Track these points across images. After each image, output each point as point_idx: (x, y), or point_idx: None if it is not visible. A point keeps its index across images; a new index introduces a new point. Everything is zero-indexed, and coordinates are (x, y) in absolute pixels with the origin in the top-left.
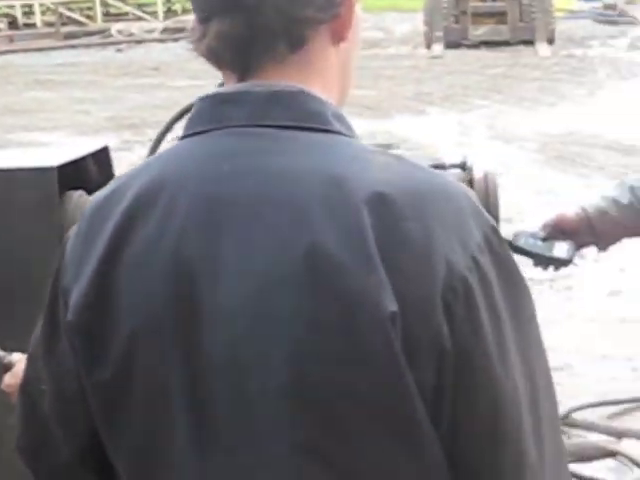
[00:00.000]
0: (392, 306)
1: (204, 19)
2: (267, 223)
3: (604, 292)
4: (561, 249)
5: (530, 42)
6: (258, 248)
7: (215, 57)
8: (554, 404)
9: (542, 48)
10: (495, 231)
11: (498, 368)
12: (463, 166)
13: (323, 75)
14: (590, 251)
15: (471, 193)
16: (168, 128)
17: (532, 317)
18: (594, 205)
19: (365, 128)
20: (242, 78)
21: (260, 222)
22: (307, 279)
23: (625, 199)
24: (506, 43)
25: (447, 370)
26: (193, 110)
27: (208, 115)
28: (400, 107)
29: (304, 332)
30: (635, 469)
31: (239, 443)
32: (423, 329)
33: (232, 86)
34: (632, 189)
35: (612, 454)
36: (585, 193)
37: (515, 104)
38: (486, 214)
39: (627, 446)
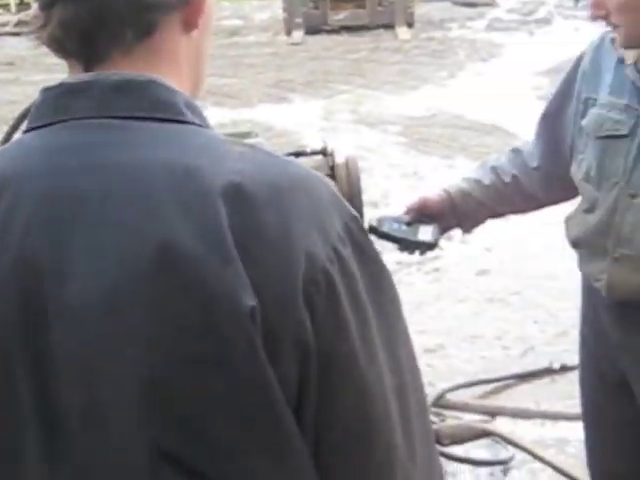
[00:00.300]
0: (251, 301)
1: (46, 5)
2: (116, 219)
3: (472, 272)
4: (426, 232)
5: (390, 26)
6: (107, 246)
7: (59, 46)
8: (422, 394)
9: (402, 31)
10: (356, 220)
11: (363, 362)
12: (324, 152)
13: (174, 64)
14: (456, 233)
15: (329, 181)
16: (15, 126)
17: (396, 307)
18: (457, 187)
19: (228, 117)
20: (88, 68)
21: (109, 219)
22: (161, 276)
23: (487, 180)
24: (366, 27)
25: (311, 366)
26: (37, 102)
27: (52, 107)
28: (262, 95)
29: (159, 332)
30: (509, 447)
31: (93, 454)
32: (284, 324)
33: (77, 76)
34: (494, 169)
35: (487, 434)
36: (449, 174)
37: (378, 88)
38: (346, 203)
39: (501, 424)
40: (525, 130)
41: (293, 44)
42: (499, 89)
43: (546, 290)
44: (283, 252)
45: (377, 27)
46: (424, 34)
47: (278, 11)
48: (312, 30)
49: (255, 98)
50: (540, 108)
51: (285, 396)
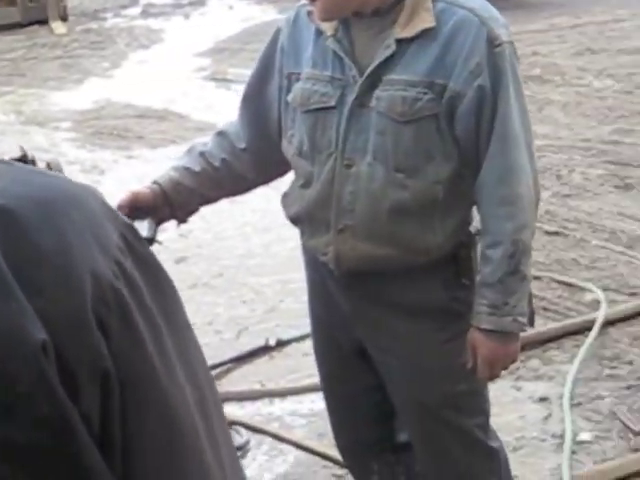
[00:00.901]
0: (40, 334)
1: None
2: None
3: (170, 261)
4: (141, 228)
5: (44, 21)
6: None
7: None
8: (221, 407)
9: (57, 26)
10: (130, 228)
11: (164, 380)
12: (24, 159)
13: None
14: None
15: (95, 190)
16: None
17: (183, 315)
18: (167, 177)
19: None
20: None
21: None
22: None
23: (197, 166)
24: (19, 25)
25: (112, 393)
26: None
27: None
28: None
29: None
30: (243, 432)
31: None
32: (80, 353)
33: None
34: (202, 154)
35: (229, 424)
36: (129, 164)
37: (40, 86)
38: (119, 212)
39: (229, 410)
40: (196, 111)
41: None
42: (164, 74)
43: (247, 268)
44: (66, 275)
45: (31, 24)
46: (80, 27)
47: None
48: None
49: None
50: (206, 88)
51: (90, 435)
